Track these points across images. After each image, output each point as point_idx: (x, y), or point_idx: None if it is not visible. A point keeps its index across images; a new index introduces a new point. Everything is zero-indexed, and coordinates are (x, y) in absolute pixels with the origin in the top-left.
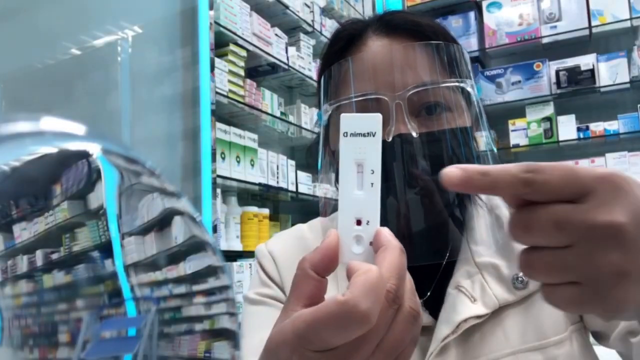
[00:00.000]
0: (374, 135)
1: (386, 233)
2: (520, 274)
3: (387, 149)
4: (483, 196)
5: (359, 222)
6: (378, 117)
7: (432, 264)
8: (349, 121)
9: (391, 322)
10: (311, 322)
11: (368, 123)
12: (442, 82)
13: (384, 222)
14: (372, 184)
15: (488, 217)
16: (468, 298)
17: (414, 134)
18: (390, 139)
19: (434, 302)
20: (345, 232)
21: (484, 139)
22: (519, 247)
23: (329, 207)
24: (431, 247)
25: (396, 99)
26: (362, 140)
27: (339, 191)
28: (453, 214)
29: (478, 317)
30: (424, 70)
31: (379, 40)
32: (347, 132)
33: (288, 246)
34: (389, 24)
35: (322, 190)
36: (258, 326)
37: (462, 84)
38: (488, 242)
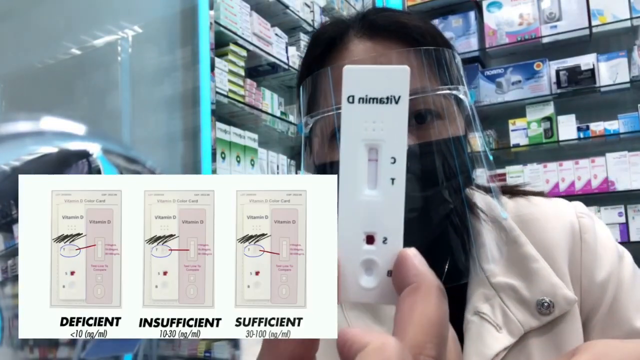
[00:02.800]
0: (397, 102)
1: (416, 261)
2: (546, 299)
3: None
4: (484, 208)
5: (370, 239)
6: (404, 71)
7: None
8: (359, 77)
9: None
10: None
11: (388, 81)
12: (431, 90)
13: None
14: (392, 179)
15: (494, 230)
16: (494, 327)
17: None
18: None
19: None
20: (349, 254)
21: (478, 147)
22: (535, 265)
23: None
24: (437, 269)
25: None
26: (377, 110)
27: (339, 190)
28: (454, 229)
29: (506, 347)
30: (411, 78)
31: (361, 44)
32: (353, 96)
33: None
34: (373, 25)
35: None
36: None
37: (453, 92)
38: (499, 259)
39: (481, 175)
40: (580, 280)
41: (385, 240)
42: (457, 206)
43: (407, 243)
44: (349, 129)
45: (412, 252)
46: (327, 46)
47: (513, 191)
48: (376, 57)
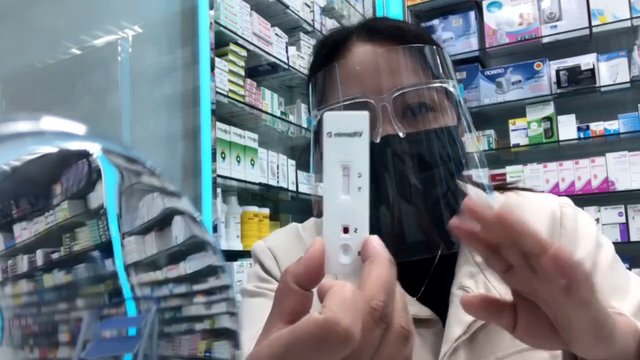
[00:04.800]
0: (360, 136)
1: (375, 243)
2: None
3: (376, 150)
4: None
5: (346, 230)
6: (364, 115)
7: (425, 260)
8: (334, 120)
9: (379, 342)
10: (289, 344)
11: (354, 122)
12: (425, 84)
13: (378, 221)
14: (359, 188)
15: None
16: None
17: (401, 134)
18: (378, 140)
19: (431, 298)
20: (331, 240)
21: (468, 137)
22: None
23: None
24: (424, 241)
25: (382, 101)
26: (347, 141)
27: (323, 196)
28: (446, 208)
29: None
30: (407, 73)
31: (362, 46)
32: (331, 132)
33: (287, 242)
34: (372, 30)
35: (315, 190)
36: (257, 318)
37: (444, 85)
38: None
39: (473, 167)
40: None
41: (355, 230)
42: (448, 188)
43: (402, 216)
44: (329, 154)
45: (373, 238)
46: (331, 49)
47: (505, 187)
48: (376, 56)
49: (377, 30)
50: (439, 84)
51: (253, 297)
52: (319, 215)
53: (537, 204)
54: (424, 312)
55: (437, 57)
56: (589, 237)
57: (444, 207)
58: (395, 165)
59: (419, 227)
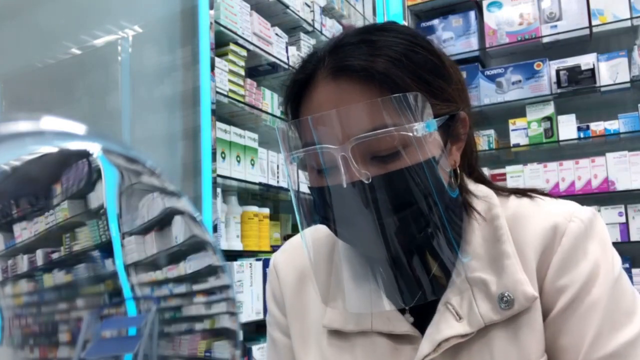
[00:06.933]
0: None
1: None
2: (506, 293)
3: (342, 196)
4: (481, 209)
5: None
6: None
7: (420, 275)
8: None
9: None
10: None
11: None
12: (386, 132)
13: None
14: None
15: (486, 228)
16: (453, 316)
17: (365, 180)
18: (345, 186)
19: (422, 312)
20: None
21: (444, 168)
22: (509, 263)
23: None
24: (421, 283)
25: (342, 150)
26: None
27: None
28: (430, 242)
29: (462, 335)
30: (368, 119)
31: (325, 88)
32: None
33: (292, 259)
34: (338, 67)
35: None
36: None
37: (407, 132)
38: (481, 254)
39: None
40: (544, 279)
41: None
42: (422, 226)
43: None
44: None
45: None
46: (299, 88)
47: (524, 192)
48: (336, 102)
49: (342, 66)
50: (402, 132)
51: (269, 336)
52: (308, 218)
53: (543, 213)
54: (403, 327)
55: (403, 102)
56: (586, 263)
57: (421, 248)
58: (362, 209)
59: (394, 274)
